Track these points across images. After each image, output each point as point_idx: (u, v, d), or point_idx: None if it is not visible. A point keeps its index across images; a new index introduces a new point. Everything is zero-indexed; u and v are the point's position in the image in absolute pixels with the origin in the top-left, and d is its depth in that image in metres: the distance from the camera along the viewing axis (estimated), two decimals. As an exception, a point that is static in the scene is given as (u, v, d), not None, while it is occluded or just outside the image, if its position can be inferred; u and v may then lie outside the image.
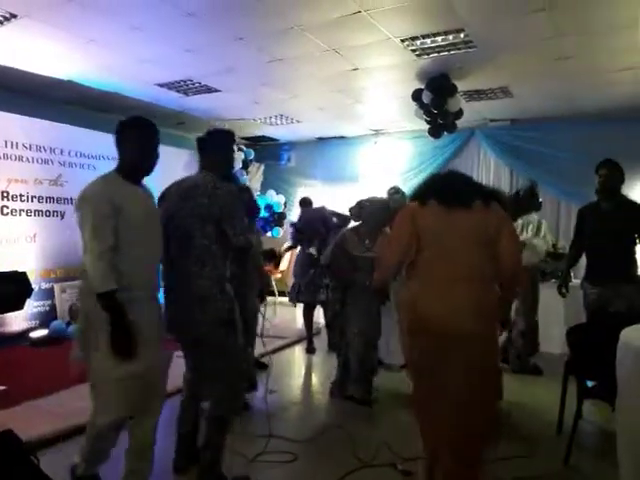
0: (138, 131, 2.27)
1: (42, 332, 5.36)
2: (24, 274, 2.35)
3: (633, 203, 3.69)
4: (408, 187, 6.53)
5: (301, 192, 8.36)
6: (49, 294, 5.72)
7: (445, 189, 2.35)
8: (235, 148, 2.83)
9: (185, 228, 2.42)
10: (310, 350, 5.21)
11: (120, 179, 2.27)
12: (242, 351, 2.56)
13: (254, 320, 3.70)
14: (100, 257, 2.01)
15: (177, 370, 2.76)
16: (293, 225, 5.62)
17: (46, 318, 5.61)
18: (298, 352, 5.31)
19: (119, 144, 2.29)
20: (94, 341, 2.15)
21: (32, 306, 5.44)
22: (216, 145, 2.67)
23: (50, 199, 5.75)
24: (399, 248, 2.31)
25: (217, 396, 2.46)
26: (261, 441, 2.95)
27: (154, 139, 2.30)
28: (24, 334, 5.31)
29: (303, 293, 5.04)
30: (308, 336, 5.26)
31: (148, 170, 2.33)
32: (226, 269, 2.49)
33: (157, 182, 7.43)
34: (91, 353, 2.19)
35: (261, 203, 8.35)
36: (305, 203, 5.92)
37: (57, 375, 4.17)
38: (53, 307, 5.73)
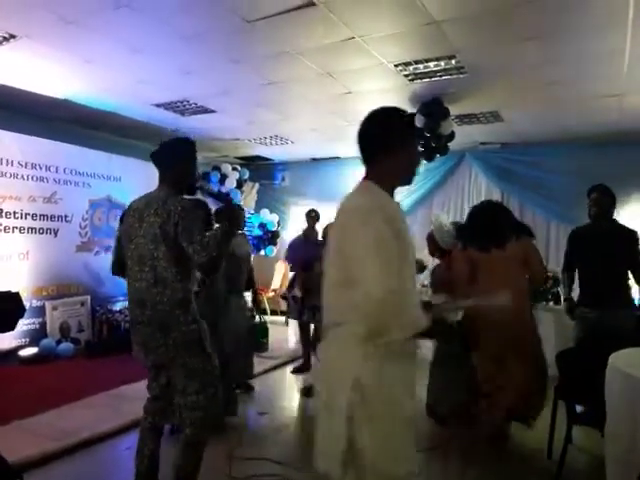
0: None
1: (32, 350, 5.31)
2: (17, 294, 2.35)
3: (625, 227, 3.74)
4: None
5: (295, 211, 8.41)
6: (40, 312, 5.69)
7: (482, 235, 3.41)
8: (197, 158, 2.55)
9: (140, 251, 2.28)
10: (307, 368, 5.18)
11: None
12: (216, 373, 2.41)
13: (237, 339, 3.72)
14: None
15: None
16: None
17: (36, 336, 5.57)
18: (290, 372, 5.28)
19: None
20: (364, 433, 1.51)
21: (22, 324, 5.39)
22: (172, 156, 2.44)
23: (44, 216, 5.76)
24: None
25: (193, 420, 2.31)
26: (251, 464, 2.93)
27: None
28: (13, 352, 5.26)
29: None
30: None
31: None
32: (189, 291, 2.32)
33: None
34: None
35: (255, 222, 8.39)
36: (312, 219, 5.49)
37: (46, 394, 4.14)
38: (43, 325, 5.70)
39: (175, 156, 2.44)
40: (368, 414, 1.48)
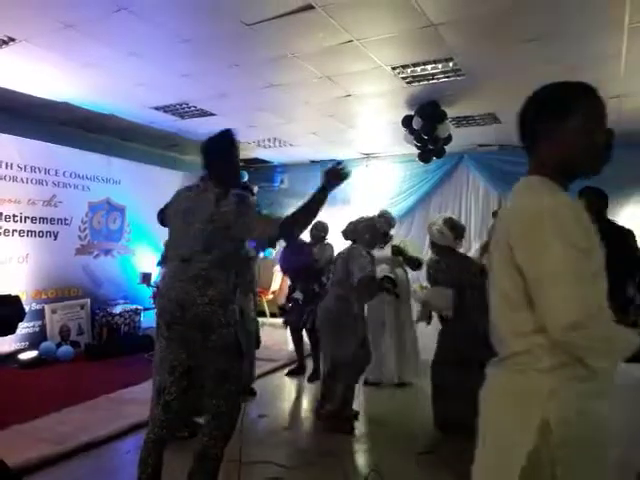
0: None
1: (31, 354, 5.31)
2: (17, 297, 2.35)
3: (620, 228, 3.71)
4: (397, 210, 6.61)
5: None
6: (39, 315, 5.69)
7: None
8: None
9: (184, 250, 2.28)
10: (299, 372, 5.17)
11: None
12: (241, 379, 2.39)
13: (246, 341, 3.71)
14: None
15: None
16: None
17: (36, 339, 5.57)
18: (285, 375, 5.27)
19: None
20: None
21: (22, 327, 5.39)
22: (218, 152, 2.39)
23: (43, 219, 5.77)
24: None
25: (212, 428, 2.27)
26: (255, 467, 2.94)
27: None
28: (13, 356, 5.26)
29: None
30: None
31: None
32: (230, 292, 2.30)
33: (148, 203, 7.47)
34: None
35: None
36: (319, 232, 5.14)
37: (46, 398, 4.14)
38: (43, 328, 5.70)
39: (223, 153, 2.40)
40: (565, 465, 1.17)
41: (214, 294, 2.22)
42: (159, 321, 2.35)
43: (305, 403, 4.54)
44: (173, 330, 2.28)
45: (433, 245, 3.91)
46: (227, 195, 2.27)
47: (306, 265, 4.86)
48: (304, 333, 5.08)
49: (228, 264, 2.29)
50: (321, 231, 5.08)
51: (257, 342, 4.57)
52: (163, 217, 2.62)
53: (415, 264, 4.80)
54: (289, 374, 5.17)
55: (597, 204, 3.65)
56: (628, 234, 3.69)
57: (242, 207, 2.25)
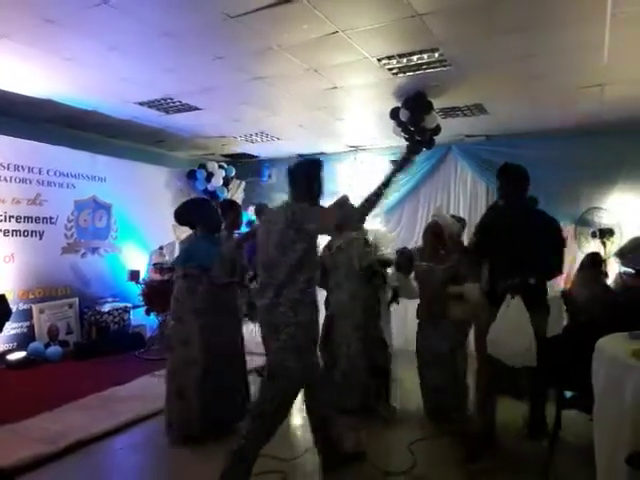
0: None
1: (20, 354, 5.26)
2: (3, 297, 2.33)
3: (544, 215, 3.40)
4: (387, 203, 6.61)
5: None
6: (27, 315, 5.63)
7: None
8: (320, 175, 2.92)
9: (267, 257, 2.64)
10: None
11: None
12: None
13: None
14: None
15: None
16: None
17: (24, 340, 5.52)
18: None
19: None
20: None
21: (9, 328, 5.34)
22: (303, 176, 2.80)
23: (28, 219, 5.70)
24: None
25: (249, 429, 2.54)
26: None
27: None
28: (1, 357, 5.21)
29: None
30: None
31: None
32: (304, 293, 2.59)
33: (135, 200, 7.44)
34: None
35: (244, 218, 8.37)
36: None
37: (36, 398, 4.11)
38: (31, 328, 5.64)
39: (308, 177, 2.83)
40: None
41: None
42: None
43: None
44: None
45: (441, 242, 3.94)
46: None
47: None
48: None
49: None
50: None
51: None
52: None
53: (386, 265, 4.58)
54: (262, 374, 5.00)
55: (511, 185, 3.39)
56: (549, 223, 3.34)
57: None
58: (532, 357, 2.90)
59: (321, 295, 3.90)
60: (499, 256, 3.21)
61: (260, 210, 5.26)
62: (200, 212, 3.57)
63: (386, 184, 2.89)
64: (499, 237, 3.24)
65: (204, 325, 3.31)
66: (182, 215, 3.59)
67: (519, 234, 3.15)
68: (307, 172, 2.82)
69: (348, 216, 2.65)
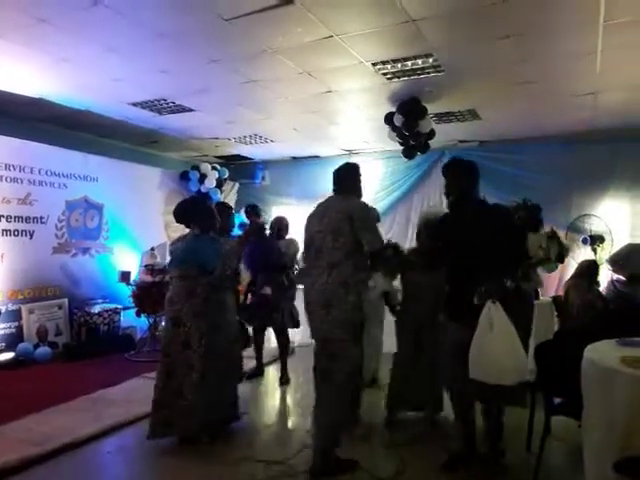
0: None
1: (8, 355, 5.21)
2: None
3: (498, 208, 3.17)
4: (380, 206, 6.63)
5: (275, 211, 8.39)
6: (16, 316, 5.58)
7: None
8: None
9: (318, 243, 2.94)
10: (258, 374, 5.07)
11: None
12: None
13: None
14: None
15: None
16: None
17: (12, 341, 5.46)
18: (271, 372, 5.25)
19: None
20: None
21: (-2, 328, 5.31)
22: (348, 176, 3.17)
23: (19, 218, 5.65)
24: None
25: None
26: (244, 466, 2.93)
27: None
28: (-11, 357, 5.16)
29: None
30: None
31: None
32: (353, 277, 2.84)
33: (127, 200, 7.41)
34: None
35: (235, 221, 8.34)
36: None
37: (24, 399, 4.07)
38: (20, 329, 5.59)
39: (352, 177, 3.20)
40: None
41: None
42: None
43: (289, 399, 4.54)
44: None
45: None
46: None
47: (276, 259, 4.77)
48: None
49: None
50: (282, 229, 5.04)
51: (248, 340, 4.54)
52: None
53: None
54: (249, 378, 4.88)
55: (456, 181, 3.12)
56: (502, 215, 3.10)
57: None
58: (524, 371, 2.69)
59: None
60: (459, 262, 2.89)
61: (250, 211, 5.26)
62: (199, 211, 3.55)
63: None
64: (454, 241, 2.94)
65: (204, 328, 3.28)
66: (181, 213, 3.57)
67: (475, 233, 2.83)
68: (353, 173, 3.20)
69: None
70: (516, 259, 3.02)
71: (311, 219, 3.12)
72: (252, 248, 4.72)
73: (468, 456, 2.96)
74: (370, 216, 3.06)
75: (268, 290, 4.69)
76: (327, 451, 2.81)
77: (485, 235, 2.79)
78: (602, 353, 2.35)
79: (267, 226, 5.07)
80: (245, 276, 4.84)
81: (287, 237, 5.09)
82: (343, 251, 2.82)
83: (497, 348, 2.58)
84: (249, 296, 4.94)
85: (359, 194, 3.17)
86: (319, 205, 3.14)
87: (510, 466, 2.98)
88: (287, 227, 5.11)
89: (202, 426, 3.24)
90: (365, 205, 3.06)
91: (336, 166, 3.24)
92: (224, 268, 3.39)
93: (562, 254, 4.75)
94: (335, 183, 3.18)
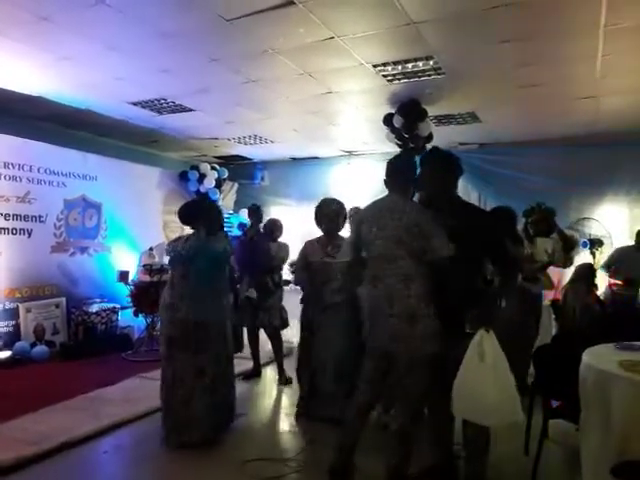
0: None
1: (5, 354, 5.19)
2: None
3: (473, 209, 2.95)
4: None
5: (274, 211, 8.39)
6: (13, 314, 5.57)
7: None
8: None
9: (383, 251, 2.60)
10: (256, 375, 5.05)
11: None
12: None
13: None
14: None
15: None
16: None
17: (9, 339, 5.45)
18: (268, 373, 5.23)
19: None
20: None
21: (-5, 326, 5.30)
22: (402, 170, 2.77)
23: (17, 217, 5.64)
24: None
25: (404, 410, 2.56)
26: (252, 466, 2.93)
27: None
28: (-15, 356, 5.14)
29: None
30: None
31: None
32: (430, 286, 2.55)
33: (125, 199, 7.39)
34: None
35: (234, 222, 8.34)
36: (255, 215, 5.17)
37: (21, 398, 4.06)
38: (17, 328, 5.57)
39: (408, 170, 2.80)
40: None
41: None
42: None
43: (284, 399, 4.53)
44: None
45: None
46: None
47: (263, 261, 4.74)
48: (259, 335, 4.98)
49: None
50: (276, 230, 4.99)
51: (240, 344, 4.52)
52: None
53: None
54: (245, 378, 4.91)
55: (436, 178, 2.73)
56: (486, 220, 2.89)
57: None
58: (517, 409, 2.35)
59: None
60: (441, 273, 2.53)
61: (253, 211, 5.27)
62: (205, 212, 3.54)
63: None
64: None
65: (213, 331, 3.28)
66: (187, 214, 3.56)
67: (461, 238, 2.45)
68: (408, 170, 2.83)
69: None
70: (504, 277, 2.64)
71: (364, 225, 2.82)
72: (240, 248, 4.74)
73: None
74: (429, 217, 2.61)
75: (253, 293, 4.70)
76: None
77: (462, 249, 2.43)
78: (600, 357, 2.35)
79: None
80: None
81: (279, 240, 5.04)
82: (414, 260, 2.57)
83: (487, 382, 2.27)
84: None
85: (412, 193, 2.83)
86: (371, 210, 2.80)
87: (507, 470, 2.97)
88: (281, 229, 5.07)
89: (204, 431, 3.23)
90: (422, 207, 2.70)
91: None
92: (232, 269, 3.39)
93: (570, 247, 4.68)
94: (393, 180, 2.77)
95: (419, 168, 2.78)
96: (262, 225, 5.10)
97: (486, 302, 2.52)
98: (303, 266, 3.83)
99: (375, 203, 2.77)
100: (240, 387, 4.66)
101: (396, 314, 2.49)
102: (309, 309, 3.83)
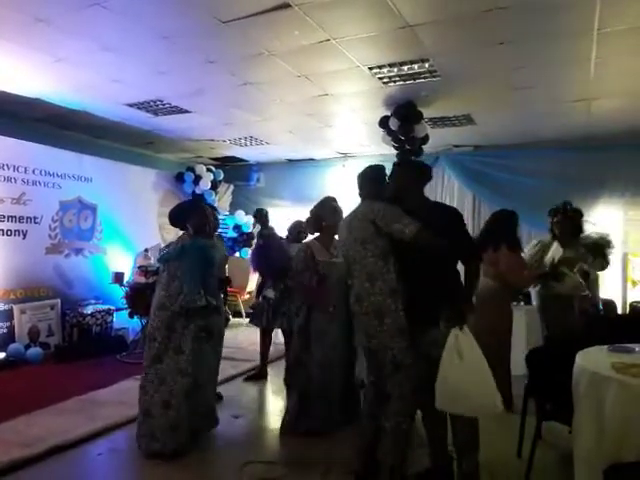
0: None
1: (-1, 356, 5.18)
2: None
3: (446, 208, 3.06)
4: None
5: (270, 213, 8.38)
6: (8, 316, 5.54)
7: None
8: None
9: (352, 253, 2.77)
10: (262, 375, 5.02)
11: None
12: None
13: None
14: None
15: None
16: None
17: (4, 341, 5.42)
18: (274, 374, 5.18)
19: None
20: None
21: (-11, 328, 5.27)
22: (372, 179, 2.96)
23: (12, 218, 5.62)
24: None
25: (394, 410, 2.62)
26: (234, 468, 2.92)
27: None
28: (-21, 358, 5.11)
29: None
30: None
31: None
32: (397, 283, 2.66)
33: (121, 201, 7.38)
34: None
35: (230, 223, 8.34)
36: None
37: (14, 400, 4.04)
38: (11, 329, 5.55)
39: (377, 180, 2.97)
40: None
41: None
42: None
43: (281, 402, 4.52)
44: None
45: None
46: None
47: (283, 263, 4.61)
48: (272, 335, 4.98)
49: None
50: (302, 231, 4.83)
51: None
52: None
53: None
54: (248, 379, 4.91)
55: (403, 178, 2.88)
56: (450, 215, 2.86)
57: None
58: (497, 402, 2.41)
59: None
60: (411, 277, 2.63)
61: (260, 215, 5.27)
62: (191, 213, 3.52)
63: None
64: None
65: (196, 332, 3.26)
66: (173, 216, 3.55)
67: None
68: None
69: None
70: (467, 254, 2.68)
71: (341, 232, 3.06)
72: (260, 251, 4.81)
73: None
74: (392, 209, 2.72)
75: (271, 293, 4.71)
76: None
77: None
78: (593, 359, 2.37)
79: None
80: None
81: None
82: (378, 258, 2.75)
83: (468, 379, 2.34)
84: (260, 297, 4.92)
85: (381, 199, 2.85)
86: (347, 217, 2.96)
87: (500, 472, 2.97)
88: (306, 230, 4.95)
89: (187, 435, 3.17)
90: (383, 204, 2.77)
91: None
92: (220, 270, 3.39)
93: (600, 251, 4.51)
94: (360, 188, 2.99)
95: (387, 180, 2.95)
96: (286, 227, 5.08)
97: (458, 301, 2.57)
98: (308, 267, 3.60)
99: (353, 210, 2.94)
100: (246, 388, 4.74)
101: (365, 312, 2.66)
102: (312, 315, 3.55)
